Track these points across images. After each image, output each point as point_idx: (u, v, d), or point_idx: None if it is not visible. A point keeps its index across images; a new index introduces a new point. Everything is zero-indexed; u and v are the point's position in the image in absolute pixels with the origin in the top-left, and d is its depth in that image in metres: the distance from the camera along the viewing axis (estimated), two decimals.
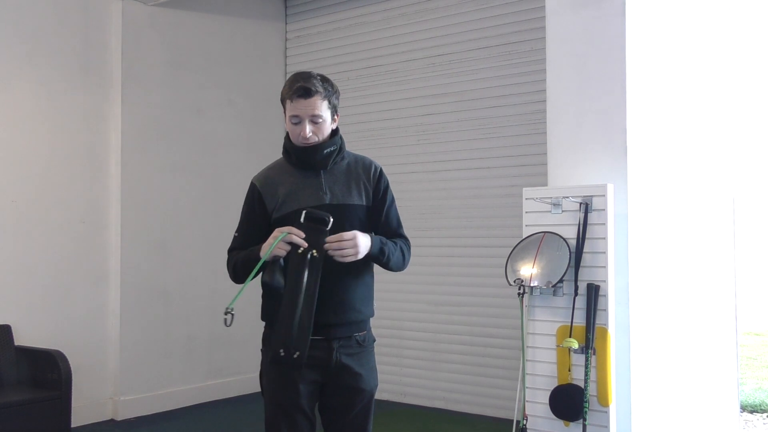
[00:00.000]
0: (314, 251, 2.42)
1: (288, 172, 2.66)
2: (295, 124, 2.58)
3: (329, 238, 2.46)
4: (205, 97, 6.28)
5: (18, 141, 5.21)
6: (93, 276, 5.59)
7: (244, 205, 2.71)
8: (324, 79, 2.59)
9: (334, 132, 2.66)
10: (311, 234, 2.44)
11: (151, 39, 5.90)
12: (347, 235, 2.47)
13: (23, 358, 4.91)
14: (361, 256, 2.50)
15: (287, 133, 2.68)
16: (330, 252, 2.45)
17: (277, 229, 2.46)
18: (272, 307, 2.59)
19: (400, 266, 2.70)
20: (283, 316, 2.42)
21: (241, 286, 2.50)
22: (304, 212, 2.47)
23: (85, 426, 5.36)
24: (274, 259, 2.47)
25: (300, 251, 2.43)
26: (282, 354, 2.40)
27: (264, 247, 2.48)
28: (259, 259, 2.48)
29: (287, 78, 2.71)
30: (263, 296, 2.64)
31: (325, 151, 2.60)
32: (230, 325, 2.39)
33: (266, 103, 6.70)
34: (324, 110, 2.57)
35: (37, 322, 5.20)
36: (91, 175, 5.60)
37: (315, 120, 2.56)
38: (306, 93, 2.52)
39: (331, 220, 2.44)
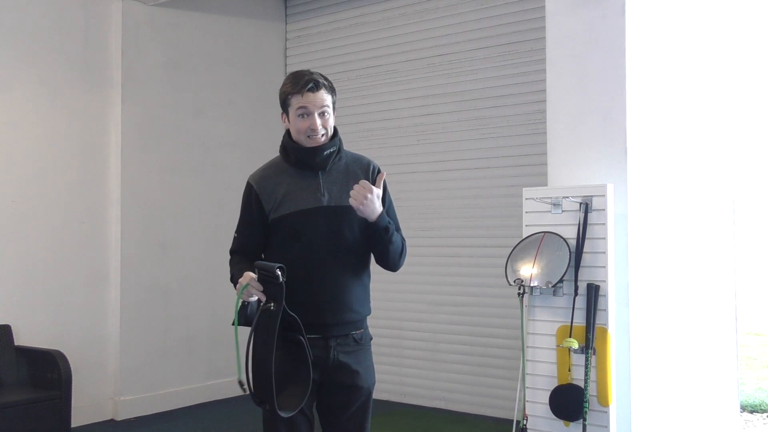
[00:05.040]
0: (271, 304, 2.40)
1: (285, 171, 2.66)
2: (303, 117, 2.58)
3: (356, 186, 2.51)
4: (205, 97, 6.28)
5: (18, 141, 5.21)
6: (93, 276, 5.59)
7: (242, 205, 2.71)
8: (324, 76, 2.65)
9: (334, 133, 2.67)
10: (267, 286, 2.41)
11: (151, 39, 5.90)
12: (375, 190, 2.52)
13: (23, 358, 4.91)
14: (375, 214, 2.54)
15: (287, 132, 2.68)
16: (352, 198, 2.50)
17: (243, 275, 2.44)
18: None
19: (397, 257, 2.69)
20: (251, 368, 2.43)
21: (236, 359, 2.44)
22: (255, 266, 2.44)
23: (85, 426, 5.36)
24: (243, 303, 2.48)
25: (261, 304, 2.42)
26: (258, 405, 2.43)
27: (237, 288, 2.48)
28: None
29: (286, 77, 2.69)
30: None
31: (325, 153, 2.62)
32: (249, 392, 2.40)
33: (266, 103, 6.69)
34: (330, 103, 2.61)
35: (37, 322, 5.20)
36: (91, 175, 5.60)
37: (324, 112, 2.59)
38: (316, 86, 2.57)
39: (280, 273, 2.37)
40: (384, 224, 2.58)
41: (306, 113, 2.57)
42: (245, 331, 2.47)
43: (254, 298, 2.46)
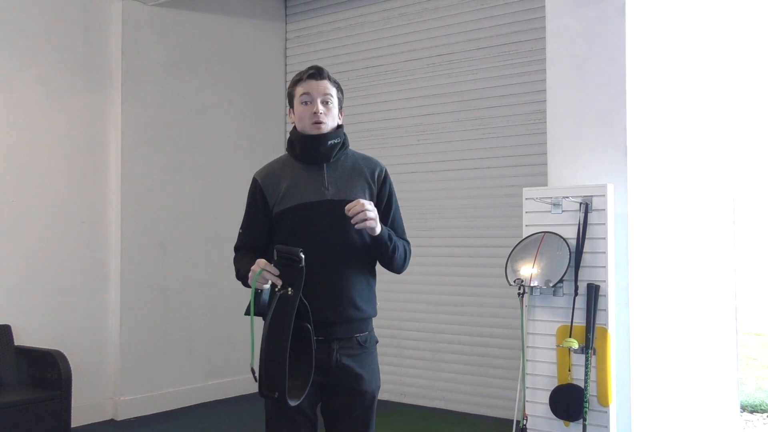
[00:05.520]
0: (288, 289, 2.37)
1: (291, 166, 2.65)
2: (306, 103, 2.59)
3: (349, 205, 2.43)
4: (205, 97, 6.28)
5: (18, 141, 5.21)
6: (93, 276, 5.59)
7: (247, 202, 2.70)
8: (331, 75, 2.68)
9: (338, 127, 2.66)
10: (285, 271, 2.38)
11: (151, 39, 5.90)
12: (365, 202, 2.45)
13: (23, 358, 4.91)
14: (378, 227, 2.49)
15: (293, 127, 2.68)
16: (354, 219, 2.42)
17: (256, 263, 2.41)
18: None
19: (401, 264, 2.68)
20: (260, 356, 2.39)
21: (250, 347, 2.43)
22: (275, 250, 2.41)
23: (85, 426, 5.35)
24: (256, 292, 2.43)
25: (276, 290, 2.38)
26: (266, 394, 2.39)
27: (249, 276, 2.44)
28: (246, 279, 2.47)
29: (290, 78, 2.71)
30: None
31: (329, 142, 2.60)
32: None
33: (266, 103, 6.71)
34: (333, 94, 2.62)
35: (37, 322, 5.20)
36: (91, 175, 5.60)
37: (326, 100, 2.60)
38: (318, 73, 2.60)
39: (303, 256, 2.34)
40: (385, 237, 2.56)
41: (309, 100, 2.59)
42: (260, 321, 2.44)
43: (267, 285, 2.42)
